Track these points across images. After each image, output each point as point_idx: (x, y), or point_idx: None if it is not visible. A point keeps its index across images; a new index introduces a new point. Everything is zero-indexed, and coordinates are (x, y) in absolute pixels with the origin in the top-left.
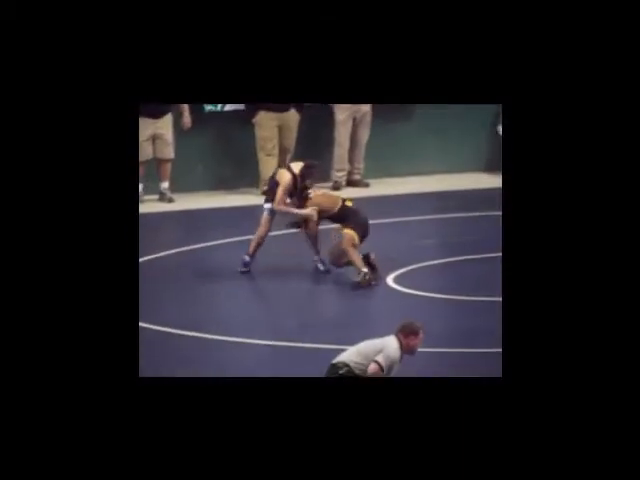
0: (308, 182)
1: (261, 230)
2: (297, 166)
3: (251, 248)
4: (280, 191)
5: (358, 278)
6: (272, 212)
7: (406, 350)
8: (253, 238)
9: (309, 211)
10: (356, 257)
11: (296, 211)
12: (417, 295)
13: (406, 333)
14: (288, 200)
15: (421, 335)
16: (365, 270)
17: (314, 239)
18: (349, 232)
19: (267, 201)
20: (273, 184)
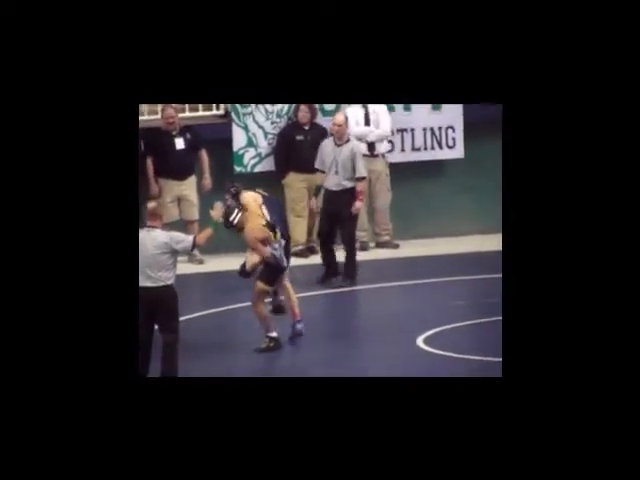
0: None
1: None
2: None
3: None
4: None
5: (262, 344)
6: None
7: None
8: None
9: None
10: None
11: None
12: (447, 356)
13: None
14: None
15: None
16: (274, 335)
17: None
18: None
19: None
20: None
